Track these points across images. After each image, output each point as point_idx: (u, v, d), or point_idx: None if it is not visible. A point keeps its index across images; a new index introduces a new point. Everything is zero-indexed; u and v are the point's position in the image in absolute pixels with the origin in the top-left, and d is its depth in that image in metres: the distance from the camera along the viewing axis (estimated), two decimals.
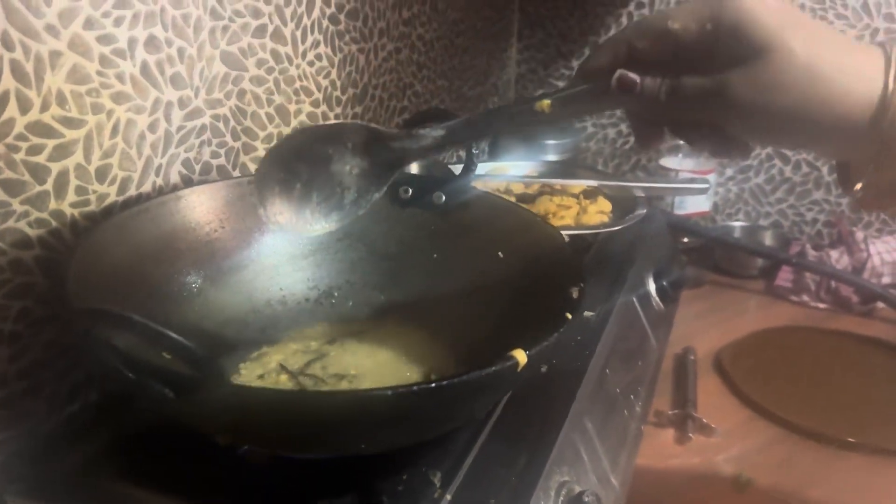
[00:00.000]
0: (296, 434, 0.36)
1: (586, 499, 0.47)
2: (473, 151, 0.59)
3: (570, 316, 0.42)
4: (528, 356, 0.38)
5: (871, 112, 0.35)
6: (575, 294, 0.45)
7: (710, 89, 0.37)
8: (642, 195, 0.82)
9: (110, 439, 0.49)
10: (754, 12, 0.36)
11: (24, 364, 0.49)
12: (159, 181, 0.57)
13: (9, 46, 0.44)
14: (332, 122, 0.47)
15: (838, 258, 1.07)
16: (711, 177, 1.13)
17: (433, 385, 0.35)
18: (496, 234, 0.57)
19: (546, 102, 0.42)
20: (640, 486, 0.66)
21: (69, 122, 0.49)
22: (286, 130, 0.70)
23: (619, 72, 0.39)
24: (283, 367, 0.51)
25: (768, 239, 1.18)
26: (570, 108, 0.42)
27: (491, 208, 0.59)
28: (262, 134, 0.67)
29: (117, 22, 0.51)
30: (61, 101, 0.48)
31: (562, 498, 0.46)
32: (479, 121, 0.45)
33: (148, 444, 0.48)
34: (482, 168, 0.91)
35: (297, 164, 0.47)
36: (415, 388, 0.34)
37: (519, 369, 0.37)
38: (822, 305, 1.05)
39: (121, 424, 0.50)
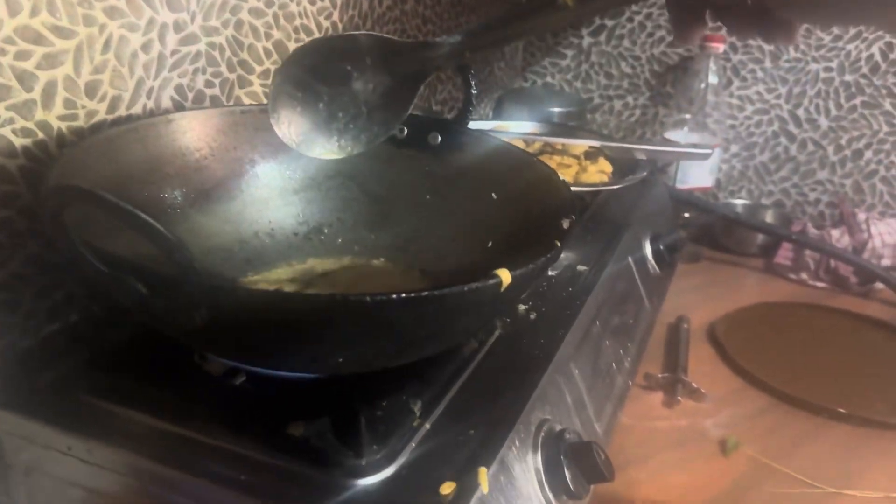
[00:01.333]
0: (270, 341, 0.36)
1: (567, 435, 0.46)
2: (472, 92, 0.58)
3: (559, 243, 0.42)
4: (513, 276, 0.37)
5: None
6: (565, 224, 0.44)
7: None
8: (644, 158, 0.81)
9: (88, 358, 0.49)
10: None
11: (3, 275, 0.48)
12: (150, 104, 0.56)
13: None
14: (342, 33, 0.44)
15: (839, 238, 1.06)
16: (717, 151, 1.12)
17: (413, 295, 0.34)
18: (491, 175, 0.56)
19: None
20: (626, 445, 0.66)
21: (59, 31, 0.48)
22: None
23: None
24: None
25: (770, 217, 1.17)
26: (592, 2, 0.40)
27: (486, 148, 0.58)
28: (258, 68, 0.66)
29: None
30: (52, 8, 0.47)
31: (542, 433, 0.46)
32: (497, 23, 0.43)
33: (126, 362, 0.48)
34: (485, 125, 0.90)
35: (316, 83, 0.46)
36: (393, 295, 0.33)
37: (502, 288, 0.37)
38: (820, 284, 1.04)
39: (100, 344, 0.50)
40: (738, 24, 0.39)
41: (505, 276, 0.37)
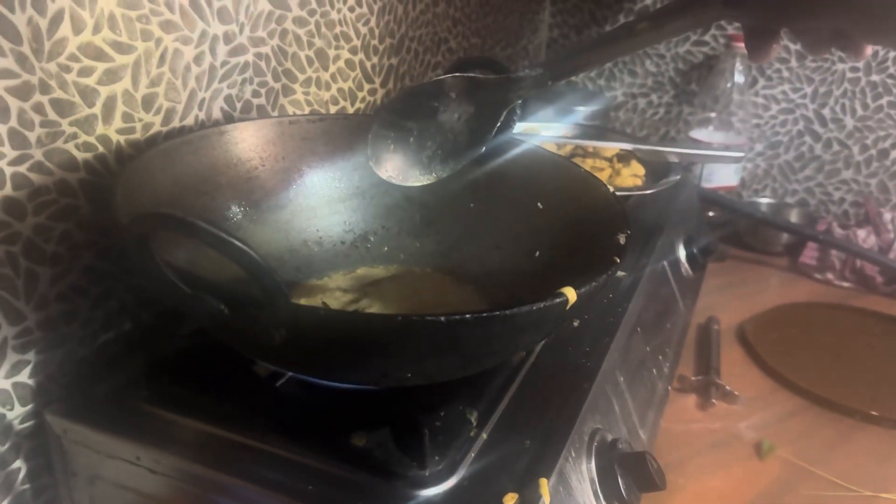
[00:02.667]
0: (348, 357, 0.36)
1: (620, 445, 0.47)
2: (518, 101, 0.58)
3: (618, 259, 0.42)
4: (578, 294, 0.38)
5: None
6: (622, 240, 0.45)
7: None
8: (676, 161, 0.81)
9: (144, 366, 0.49)
10: None
11: (62, 287, 0.49)
12: (202, 115, 0.57)
13: None
14: (433, 79, 0.48)
15: (865, 238, 1.06)
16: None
17: (485, 315, 0.34)
18: (537, 186, 0.57)
19: (644, 25, 0.41)
20: (662, 448, 0.67)
21: (119, 47, 0.48)
22: (325, 76, 0.70)
23: None
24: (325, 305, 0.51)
25: (794, 217, 1.17)
26: (670, 25, 0.41)
27: (531, 157, 0.58)
28: (301, 77, 0.67)
29: None
30: (113, 24, 0.48)
31: (595, 443, 0.47)
32: (576, 52, 0.44)
33: (182, 371, 0.49)
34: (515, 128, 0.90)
35: (406, 121, 0.49)
36: (468, 315, 0.34)
37: (568, 307, 0.37)
38: (846, 284, 1.04)
39: (153, 353, 0.51)
40: (813, 43, 0.40)
41: (571, 294, 0.37)
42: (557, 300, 0.37)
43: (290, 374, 0.46)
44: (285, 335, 0.34)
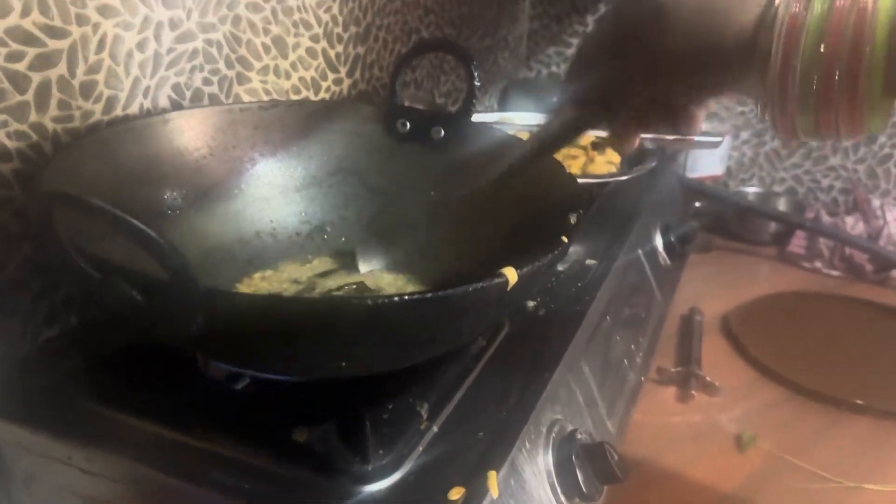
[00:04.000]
0: (269, 346, 0.34)
1: (579, 436, 0.45)
2: (475, 84, 0.57)
3: (566, 239, 0.40)
4: (519, 275, 0.36)
5: (753, 24, 0.35)
6: (573, 219, 0.43)
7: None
8: (652, 147, 0.79)
9: (88, 363, 0.48)
10: None
11: None
12: (147, 104, 0.55)
13: None
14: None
15: (854, 225, 1.04)
16: (726, 139, 1.10)
17: (416, 297, 0.33)
18: (496, 170, 0.55)
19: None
20: (640, 440, 0.65)
21: (52, 31, 0.47)
22: (284, 64, 0.68)
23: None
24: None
25: (782, 205, 1.15)
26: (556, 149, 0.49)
27: (490, 141, 0.56)
28: (257, 65, 0.65)
29: None
30: (44, 8, 0.46)
31: (553, 434, 0.45)
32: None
33: (125, 367, 0.47)
34: (491, 117, 0.89)
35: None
36: (395, 298, 0.32)
37: (508, 287, 0.35)
38: (835, 273, 1.02)
39: (100, 348, 0.49)
40: (654, 123, 0.43)
41: (511, 274, 0.35)
42: (496, 280, 0.35)
43: (230, 367, 0.44)
44: (203, 323, 0.32)
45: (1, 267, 0.47)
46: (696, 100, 0.42)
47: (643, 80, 0.41)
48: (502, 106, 1.13)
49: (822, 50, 0.33)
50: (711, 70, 0.38)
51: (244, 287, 0.52)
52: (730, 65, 0.37)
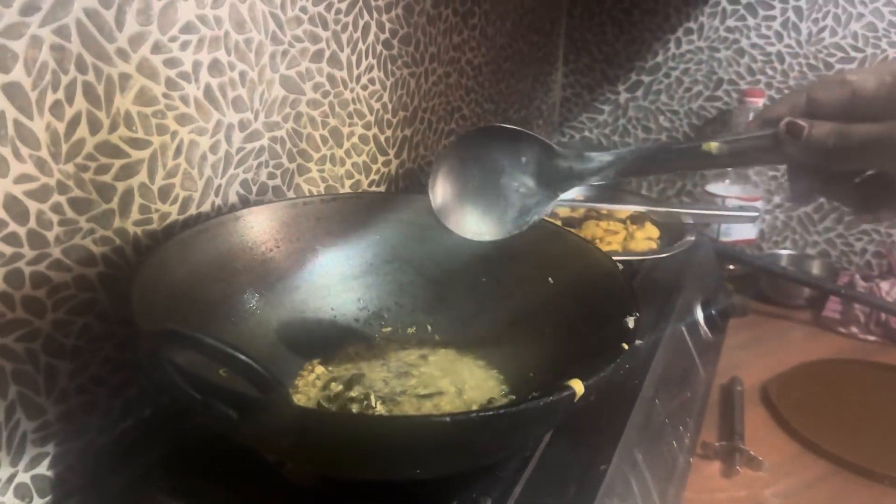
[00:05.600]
0: (355, 456, 0.37)
1: None
2: None
3: (626, 346, 0.42)
4: (586, 386, 0.38)
5: None
6: (630, 324, 0.45)
7: (880, 134, 0.38)
8: (690, 222, 0.81)
9: (161, 455, 0.50)
10: None
11: (83, 380, 0.50)
12: (218, 201, 0.58)
13: (82, 69, 0.46)
14: (514, 127, 0.46)
15: (889, 290, 1.04)
16: (759, 204, 1.11)
17: (491, 413, 0.35)
18: (546, 260, 0.57)
19: (714, 144, 0.42)
20: None
21: (135, 143, 0.50)
22: (339, 153, 0.71)
23: (787, 118, 0.40)
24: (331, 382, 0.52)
25: (816, 268, 1.16)
26: (737, 154, 0.42)
27: (540, 233, 0.59)
28: (315, 156, 0.68)
29: (183, 46, 0.52)
30: (129, 122, 0.49)
31: None
32: (645, 153, 0.45)
33: (198, 460, 0.49)
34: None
35: (473, 164, 0.47)
36: (473, 415, 0.34)
37: (576, 399, 0.37)
38: (871, 338, 1.03)
39: (172, 440, 0.51)
40: (851, 195, 0.42)
41: (578, 387, 0.37)
42: (565, 394, 0.37)
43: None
44: (294, 440, 0.34)
45: (85, 366, 0.50)
46: None
47: (879, 155, 0.39)
48: None
49: None
50: None
51: (309, 375, 0.54)
52: None
